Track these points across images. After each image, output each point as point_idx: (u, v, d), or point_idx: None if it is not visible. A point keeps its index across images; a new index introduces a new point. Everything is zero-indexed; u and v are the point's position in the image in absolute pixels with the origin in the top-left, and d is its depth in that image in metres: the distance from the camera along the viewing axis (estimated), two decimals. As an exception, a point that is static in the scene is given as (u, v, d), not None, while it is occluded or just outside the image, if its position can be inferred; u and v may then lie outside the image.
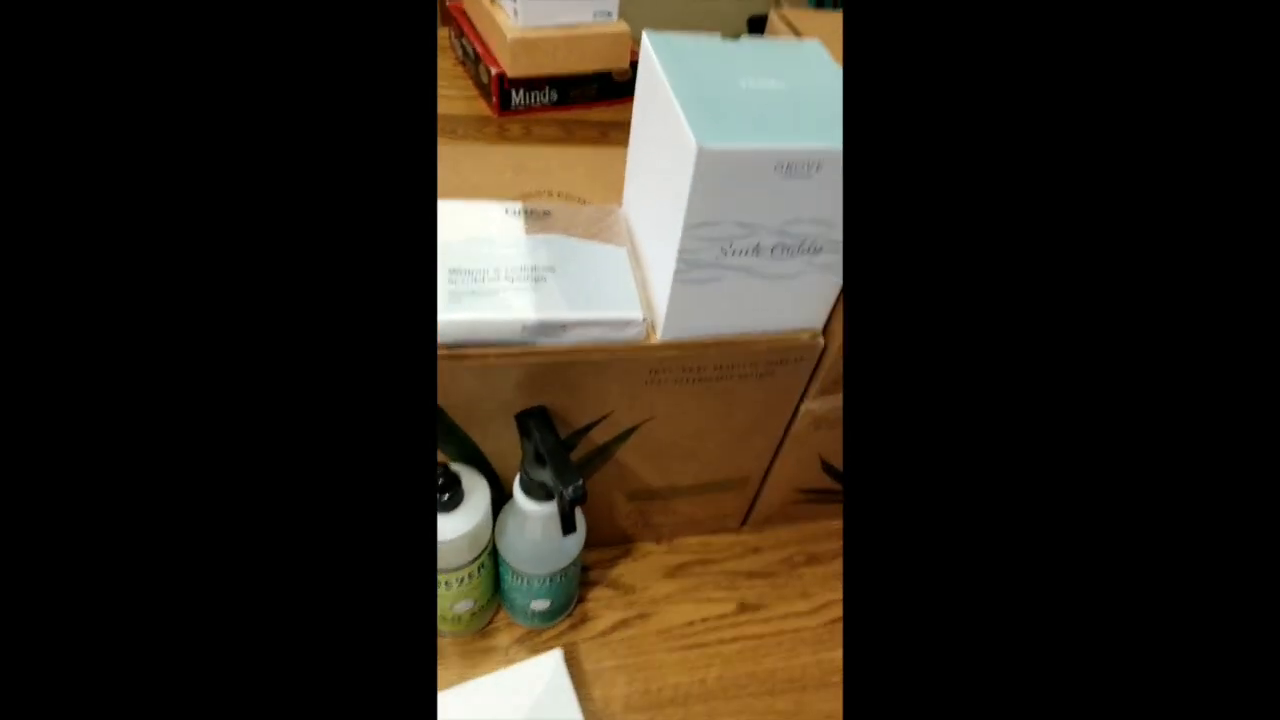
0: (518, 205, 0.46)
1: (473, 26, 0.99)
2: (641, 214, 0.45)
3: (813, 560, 0.63)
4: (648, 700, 0.54)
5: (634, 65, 0.99)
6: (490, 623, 0.57)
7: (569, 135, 0.96)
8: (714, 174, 0.35)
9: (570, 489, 0.40)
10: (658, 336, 0.43)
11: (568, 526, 0.44)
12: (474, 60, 0.98)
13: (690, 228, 0.37)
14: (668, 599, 0.60)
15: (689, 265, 0.39)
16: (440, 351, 0.40)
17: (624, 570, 0.61)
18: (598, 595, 0.60)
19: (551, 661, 0.52)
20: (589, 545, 0.58)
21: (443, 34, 1.10)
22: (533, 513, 0.46)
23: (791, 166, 0.35)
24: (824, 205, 0.38)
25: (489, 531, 0.49)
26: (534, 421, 0.44)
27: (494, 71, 0.92)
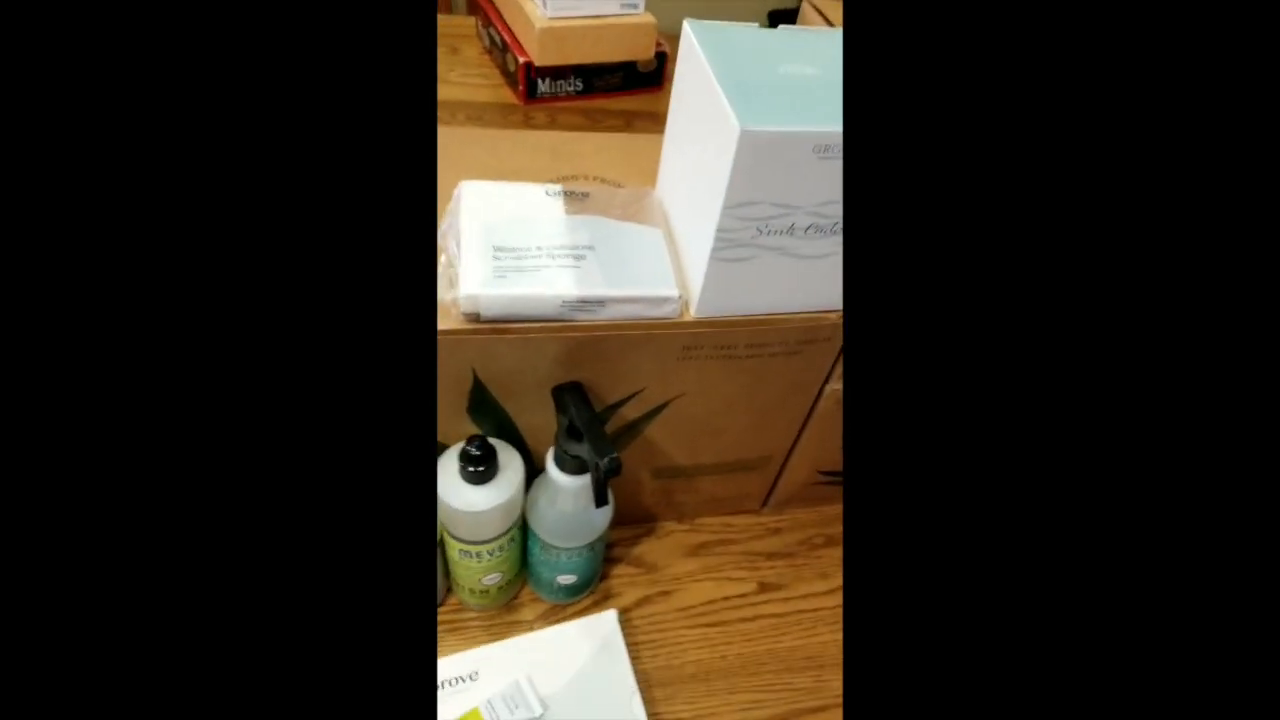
0: (557, 187, 0.48)
1: (500, 16, 1.00)
2: (678, 196, 0.46)
3: (831, 542, 0.64)
4: (670, 675, 0.55)
5: (659, 56, 1.00)
6: (515, 597, 0.59)
7: (593, 124, 0.97)
8: (754, 155, 0.36)
9: (605, 460, 0.41)
10: (692, 313, 0.44)
11: (600, 498, 0.45)
12: (501, 49, 0.99)
13: (729, 207, 0.38)
14: (689, 577, 0.61)
15: (726, 244, 0.40)
16: (482, 326, 0.42)
17: (646, 549, 0.63)
18: (620, 573, 0.61)
19: (608, 619, 0.54)
20: (612, 524, 0.59)
21: (470, 22, 1.11)
22: (565, 485, 0.47)
23: (829, 149, 0.36)
24: (859, 188, 0.39)
25: (521, 504, 0.50)
26: (570, 395, 0.45)
27: (521, 60, 0.93)
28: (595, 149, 0.57)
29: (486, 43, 1.06)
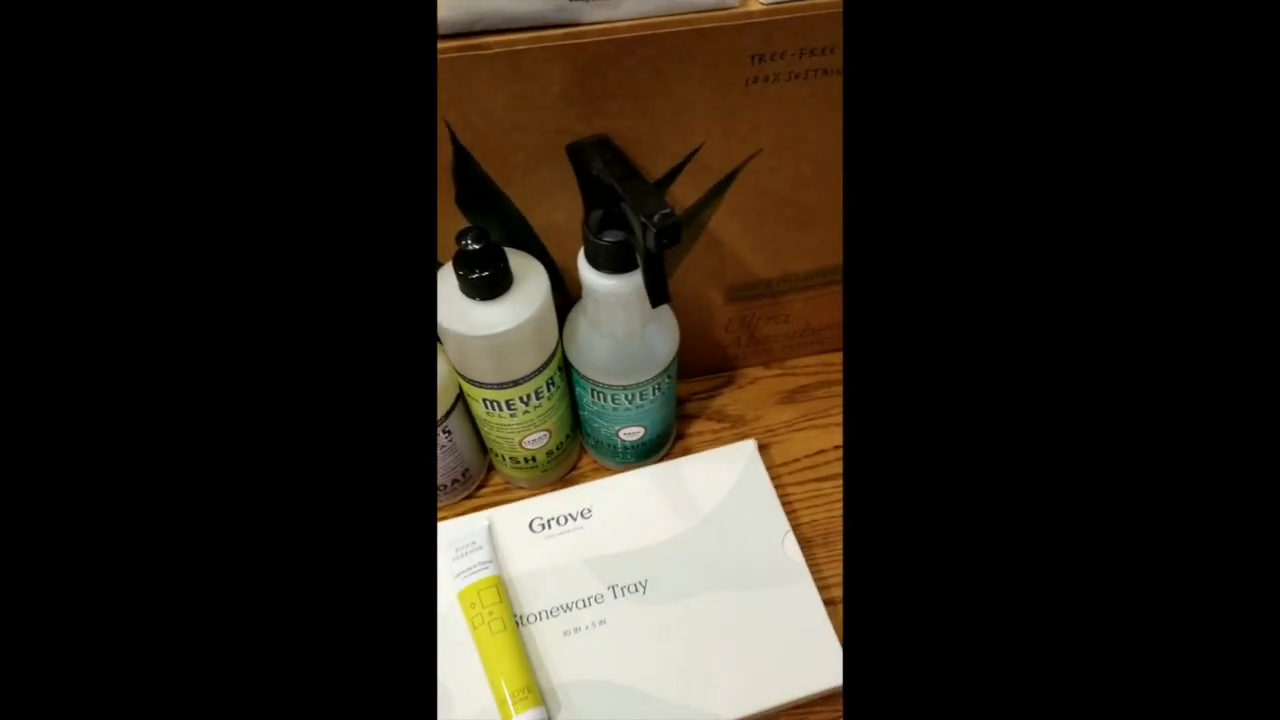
0: None
1: None
2: None
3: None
4: (777, 543, 0.43)
5: None
6: (575, 468, 0.47)
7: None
8: None
9: (656, 218, 0.28)
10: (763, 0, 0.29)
11: (657, 291, 0.31)
12: None
13: None
14: (788, 427, 0.49)
15: None
16: (447, 46, 0.28)
17: (729, 400, 0.50)
18: (700, 429, 0.49)
19: (745, 450, 0.45)
20: (682, 376, 0.47)
21: None
22: (606, 290, 0.34)
23: None
24: None
25: (554, 330, 0.37)
26: (595, 151, 0.31)
27: None
28: None
29: None
